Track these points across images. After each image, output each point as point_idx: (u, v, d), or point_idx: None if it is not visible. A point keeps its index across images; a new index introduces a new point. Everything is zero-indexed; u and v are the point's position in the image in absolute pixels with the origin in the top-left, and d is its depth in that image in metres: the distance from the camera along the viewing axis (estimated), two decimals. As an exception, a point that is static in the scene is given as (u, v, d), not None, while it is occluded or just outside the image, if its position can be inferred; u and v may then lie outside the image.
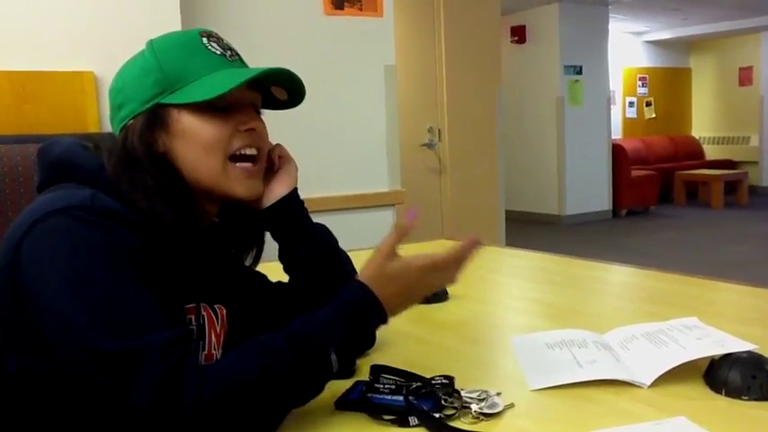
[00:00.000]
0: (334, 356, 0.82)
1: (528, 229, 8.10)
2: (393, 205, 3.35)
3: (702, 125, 12.21)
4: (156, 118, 0.89)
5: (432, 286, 0.95)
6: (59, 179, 0.88)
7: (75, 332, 0.74)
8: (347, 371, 0.93)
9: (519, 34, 8.82)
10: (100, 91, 2.43)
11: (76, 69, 2.42)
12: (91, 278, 0.76)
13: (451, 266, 0.94)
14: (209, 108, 0.89)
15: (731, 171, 10.29)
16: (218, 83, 0.88)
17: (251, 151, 0.94)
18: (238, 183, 0.93)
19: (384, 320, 0.89)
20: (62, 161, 0.90)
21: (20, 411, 0.82)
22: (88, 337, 0.73)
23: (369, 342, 0.89)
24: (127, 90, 0.92)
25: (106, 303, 0.75)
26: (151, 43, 0.94)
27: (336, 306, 0.86)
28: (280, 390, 0.77)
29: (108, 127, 0.98)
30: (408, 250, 0.92)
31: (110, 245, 0.79)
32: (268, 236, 1.07)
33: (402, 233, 0.92)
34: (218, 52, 0.93)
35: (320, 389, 0.83)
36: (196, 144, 0.90)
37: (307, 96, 0.99)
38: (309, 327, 0.83)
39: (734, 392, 0.88)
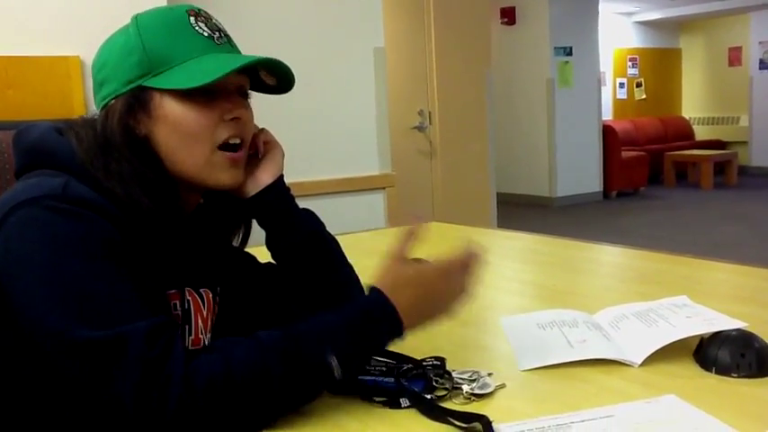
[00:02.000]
0: (333, 360, 0.78)
1: (519, 211, 8.12)
2: (383, 188, 3.35)
3: (692, 106, 12.23)
4: (137, 101, 0.87)
5: (451, 294, 0.90)
6: (35, 165, 0.86)
7: (52, 326, 0.73)
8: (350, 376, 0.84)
9: (509, 16, 8.77)
10: (86, 75, 2.41)
11: (62, 54, 2.39)
12: (64, 270, 0.75)
13: (461, 273, 0.91)
14: (193, 94, 0.86)
15: (721, 151, 10.32)
16: (203, 70, 0.85)
17: (235, 141, 0.91)
18: (222, 171, 0.90)
19: (399, 331, 0.84)
20: (37, 147, 0.87)
21: (8, 406, 0.81)
22: (65, 330, 0.73)
23: (377, 350, 0.85)
24: (109, 68, 0.89)
25: (81, 295, 0.74)
26: (136, 19, 0.90)
27: (346, 310, 0.83)
28: (268, 387, 0.75)
29: (94, 111, 0.96)
30: (399, 232, 0.92)
31: (82, 234, 0.77)
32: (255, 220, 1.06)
33: (411, 238, 0.90)
34: (206, 34, 0.89)
35: (315, 391, 0.80)
36: (179, 132, 0.87)
37: (296, 79, 0.97)
38: (310, 327, 0.81)
39: (724, 370, 0.89)
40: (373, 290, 0.86)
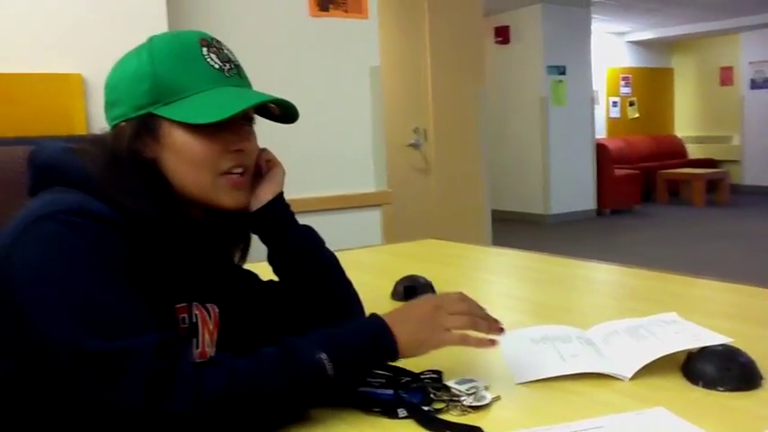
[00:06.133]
0: (324, 356, 0.81)
1: (513, 228, 8.16)
2: (380, 205, 3.38)
3: (685, 124, 12.34)
4: (145, 127, 0.90)
5: (443, 315, 0.91)
6: (49, 183, 0.89)
7: (63, 336, 0.76)
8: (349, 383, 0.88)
9: (503, 35, 8.87)
10: (88, 93, 2.43)
11: (64, 71, 2.42)
12: (78, 282, 0.78)
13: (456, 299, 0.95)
14: (201, 125, 0.89)
15: (713, 170, 10.40)
16: (212, 106, 0.89)
17: (238, 170, 0.95)
18: (225, 194, 0.94)
19: (384, 330, 0.87)
20: (50, 165, 0.91)
21: (13, 413, 0.83)
22: (76, 340, 0.75)
23: (371, 355, 0.87)
24: (120, 90, 0.92)
25: (93, 307, 0.77)
26: (150, 44, 0.92)
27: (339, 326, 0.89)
28: (269, 393, 0.78)
29: (96, 128, 0.99)
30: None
31: (98, 248, 0.80)
32: (255, 236, 1.09)
33: (461, 339, 0.91)
34: (217, 66, 0.92)
35: (314, 393, 0.83)
36: (185, 159, 0.91)
37: (293, 97, 1.00)
38: (305, 336, 0.85)
39: (710, 384, 0.92)
40: (371, 314, 0.91)
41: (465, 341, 0.91)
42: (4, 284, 0.80)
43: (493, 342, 0.91)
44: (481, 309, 0.96)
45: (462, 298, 0.96)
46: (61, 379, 0.77)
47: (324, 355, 0.82)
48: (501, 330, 0.94)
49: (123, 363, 0.74)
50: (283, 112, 1.01)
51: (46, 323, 0.77)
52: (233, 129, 0.94)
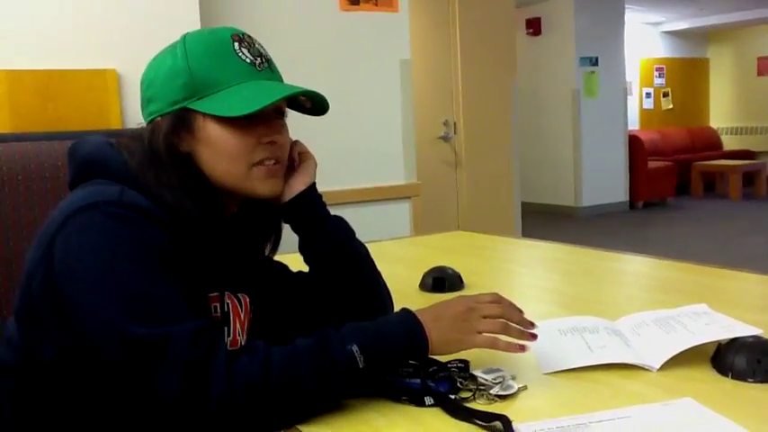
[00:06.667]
0: (356, 348, 0.83)
1: (544, 220, 8.10)
2: (409, 198, 3.39)
3: (720, 115, 12.11)
4: (181, 121, 0.92)
5: (476, 318, 0.92)
6: (89, 176, 0.92)
7: (105, 321, 0.78)
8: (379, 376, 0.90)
9: (534, 26, 8.79)
10: (122, 88, 2.48)
11: (99, 67, 2.47)
12: (119, 271, 0.80)
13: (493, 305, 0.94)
14: (234, 118, 0.91)
15: (749, 162, 10.19)
16: (245, 99, 0.90)
17: (270, 162, 0.97)
18: (260, 182, 0.96)
19: (417, 327, 0.88)
20: (90, 159, 0.94)
21: (56, 397, 0.86)
22: (117, 325, 0.78)
23: (402, 350, 0.88)
24: (156, 87, 0.94)
25: (134, 294, 0.79)
26: (184, 41, 0.95)
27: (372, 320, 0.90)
28: (301, 385, 0.80)
29: (131, 123, 1.01)
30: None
31: (137, 238, 0.83)
32: (287, 227, 1.11)
33: (491, 343, 0.91)
34: (248, 60, 0.94)
35: (345, 385, 0.84)
36: (220, 152, 0.93)
37: (324, 91, 1.01)
38: (339, 329, 0.86)
39: (740, 375, 0.91)
40: (403, 309, 0.92)
41: (494, 345, 0.91)
42: (46, 274, 0.83)
43: (522, 348, 0.92)
44: (516, 310, 0.95)
45: (497, 300, 0.95)
46: (100, 364, 0.80)
47: (356, 348, 0.83)
48: (533, 337, 0.94)
49: (162, 349, 0.77)
50: (314, 105, 1.03)
51: (87, 310, 0.80)
52: (265, 121, 0.95)
